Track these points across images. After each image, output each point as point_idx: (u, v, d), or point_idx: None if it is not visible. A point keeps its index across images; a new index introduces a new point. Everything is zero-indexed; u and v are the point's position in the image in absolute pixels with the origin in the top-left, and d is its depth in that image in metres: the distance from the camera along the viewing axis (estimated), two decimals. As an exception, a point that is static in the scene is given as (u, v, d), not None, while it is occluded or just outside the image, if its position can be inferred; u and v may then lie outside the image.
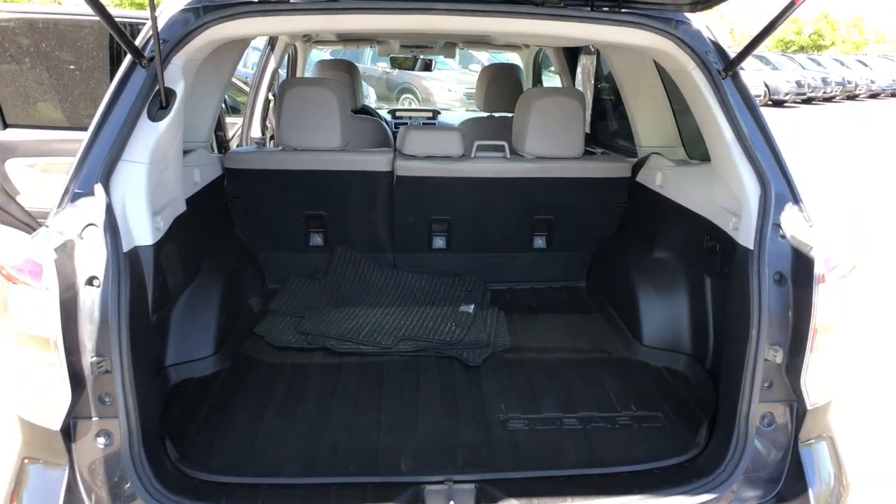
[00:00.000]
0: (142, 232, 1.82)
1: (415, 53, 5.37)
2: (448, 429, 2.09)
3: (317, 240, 3.13)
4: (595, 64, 3.64)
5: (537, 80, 5.23)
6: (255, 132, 4.37)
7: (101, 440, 1.68)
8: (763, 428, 1.85)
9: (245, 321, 2.73)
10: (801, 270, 1.79)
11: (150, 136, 1.86)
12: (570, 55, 4.12)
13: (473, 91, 12.03)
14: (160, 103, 1.89)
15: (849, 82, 26.44)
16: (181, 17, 1.92)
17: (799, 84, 23.56)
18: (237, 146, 4.26)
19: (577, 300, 3.14)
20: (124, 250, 1.71)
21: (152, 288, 1.83)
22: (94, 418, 1.67)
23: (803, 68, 24.86)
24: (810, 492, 1.83)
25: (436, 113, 5.89)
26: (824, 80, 25.11)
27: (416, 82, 14.48)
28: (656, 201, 2.69)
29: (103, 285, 1.62)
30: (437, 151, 2.88)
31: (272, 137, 4.63)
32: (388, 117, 5.70)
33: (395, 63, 6.08)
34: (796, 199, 1.89)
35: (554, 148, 2.86)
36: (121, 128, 1.79)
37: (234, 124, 4.24)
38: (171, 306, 2.33)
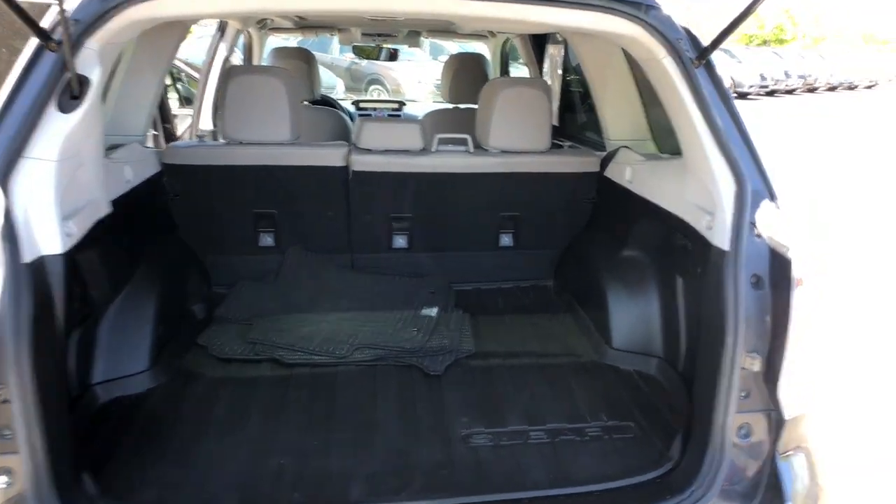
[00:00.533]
0: (48, 240, 1.60)
1: (378, 42, 5.16)
2: (406, 448, 1.93)
3: (267, 240, 2.92)
4: (563, 54, 3.50)
5: (504, 71, 5.07)
6: (206, 124, 4.12)
7: (3, 481, 1.47)
8: (740, 440, 1.74)
9: (187, 331, 2.52)
10: (778, 273, 1.67)
11: (59, 129, 1.63)
12: (538, 45, 3.97)
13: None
14: (72, 93, 1.67)
15: (809, 75, 27.03)
16: None
17: (762, 77, 23.98)
18: (189, 139, 4.02)
19: (546, 300, 3.00)
20: (25, 261, 1.49)
21: (65, 301, 1.61)
22: None
23: (766, 61, 25.28)
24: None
25: (402, 104, 5.70)
26: (786, 74, 25.62)
27: (385, 73, 14.22)
28: (625, 197, 2.56)
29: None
30: (396, 145, 2.70)
31: None
32: (353, 108, 5.49)
33: (359, 52, 5.85)
34: (772, 196, 1.77)
35: (519, 141, 2.71)
36: (22, 120, 1.56)
37: (188, 116, 4.00)
38: (98, 318, 2.11)
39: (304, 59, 4.08)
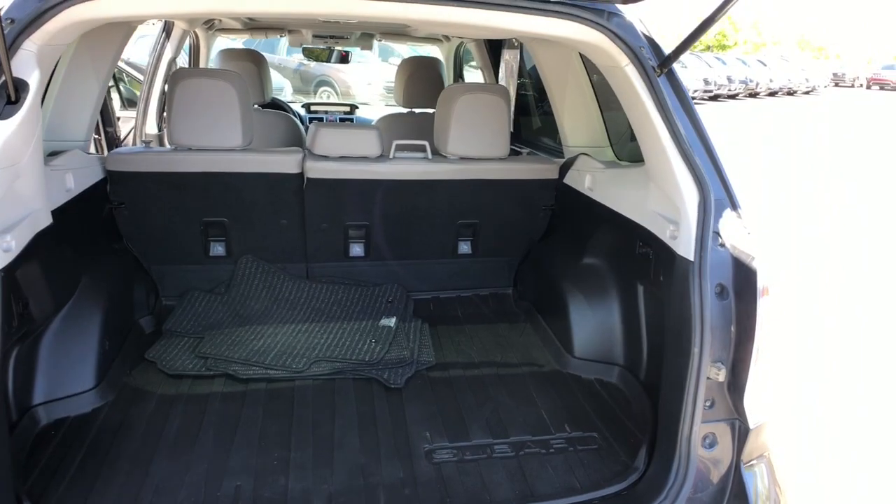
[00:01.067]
0: None
1: (329, 44, 5.05)
2: (367, 466, 1.86)
3: (218, 249, 2.80)
4: (518, 59, 3.48)
5: (458, 75, 5.04)
6: (151, 128, 3.95)
7: None
8: (705, 449, 1.74)
9: (134, 346, 2.39)
10: (743, 282, 1.68)
11: None
12: (494, 50, 3.95)
13: (391, 85, 11.71)
14: (7, 97, 1.55)
15: (751, 80, 28.07)
16: None
17: (706, 82, 24.74)
18: (133, 145, 3.84)
19: (505, 309, 2.98)
20: None
21: (2, 320, 1.49)
22: None
23: (709, 67, 26.09)
24: None
25: (354, 108, 5.59)
26: (729, 79, 26.51)
27: (335, 75, 14.00)
28: (585, 205, 2.55)
29: None
30: (352, 152, 2.63)
31: None
32: (303, 112, 5.36)
33: (309, 54, 5.72)
34: (734, 205, 1.78)
35: (478, 148, 2.67)
36: None
37: (131, 118, 3.81)
38: (39, 335, 1.97)
39: (254, 61, 3.95)
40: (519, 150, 3.34)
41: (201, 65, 4.62)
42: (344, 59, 6.32)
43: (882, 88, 40.40)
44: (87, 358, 2.09)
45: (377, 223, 2.83)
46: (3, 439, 1.52)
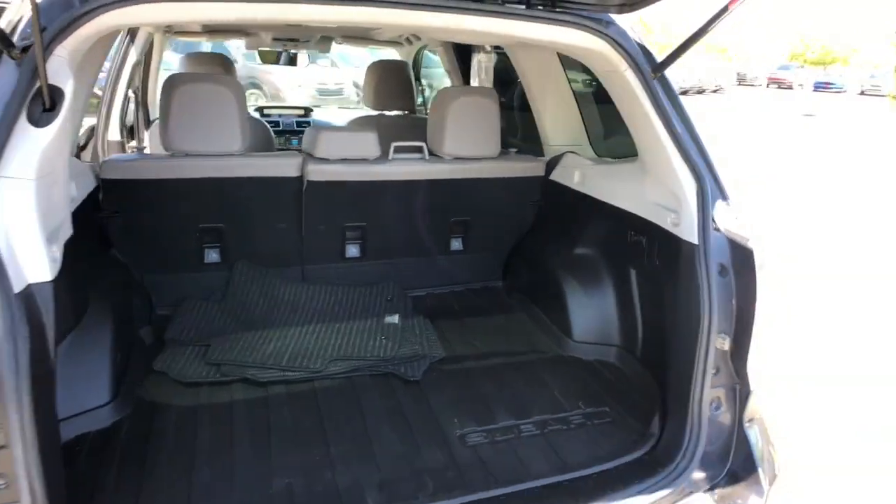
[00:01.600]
0: (36, 266, 1.46)
1: (287, 47, 5.03)
2: (407, 455, 1.95)
3: (213, 256, 2.79)
4: (493, 63, 3.63)
5: (416, 78, 5.14)
6: (113, 135, 3.83)
7: None
8: (713, 412, 1.93)
9: (140, 357, 2.36)
10: (740, 261, 1.88)
11: (34, 145, 1.49)
12: (462, 54, 4.08)
13: (325, 87, 11.47)
14: (43, 104, 1.53)
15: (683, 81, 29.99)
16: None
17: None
18: (94, 151, 3.71)
19: (498, 300, 3.11)
20: (15, 291, 1.36)
21: (54, 334, 1.48)
22: None
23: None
24: (759, 467, 1.94)
25: (308, 110, 5.58)
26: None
27: (263, 77, 13.66)
28: (574, 199, 2.72)
29: None
30: (352, 154, 2.69)
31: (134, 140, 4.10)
32: (257, 115, 5.30)
33: (263, 57, 5.67)
34: (724, 195, 1.99)
35: (472, 148, 2.80)
36: None
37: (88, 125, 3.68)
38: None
39: (222, 66, 3.91)
40: (505, 150, 3.48)
41: (153, 66, 4.51)
42: (293, 61, 6.30)
43: (780, 87, 43.75)
44: (102, 371, 2.05)
45: (373, 223, 2.90)
46: (58, 455, 1.51)
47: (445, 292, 3.13)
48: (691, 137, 2.02)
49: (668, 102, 2.03)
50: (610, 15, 2.09)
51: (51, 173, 1.58)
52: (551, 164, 2.94)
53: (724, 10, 1.82)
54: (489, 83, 3.65)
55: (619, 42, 2.01)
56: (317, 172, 2.64)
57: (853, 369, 4.05)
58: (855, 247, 6.95)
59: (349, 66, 12.81)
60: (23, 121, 1.48)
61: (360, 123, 3.99)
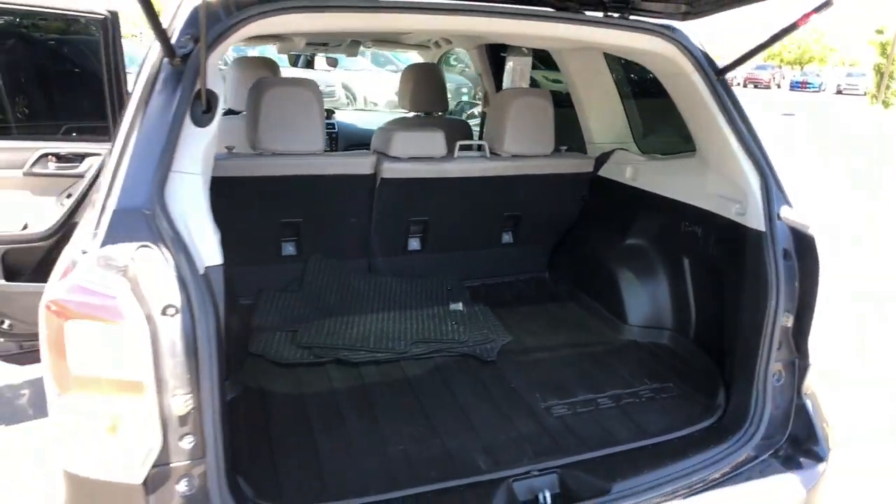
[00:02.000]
0: (209, 252, 1.64)
1: (317, 51, 5.19)
2: (501, 425, 2.14)
3: (289, 249, 2.96)
4: (529, 65, 3.83)
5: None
6: None
7: (184, 488, 1.51)
8: (775, 383, 2.15)
9: (234, 343, 2.53)
10: (803, 247, 2.10)
11: (199, 143, 1.67)
12: (494, 57, 4.28)
13: (332, 89, 11.55)
14: (203, 107, 1.70)
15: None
16: (218, 9, 1.75)
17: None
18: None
19: (547, 290, 3.32)
20: (200, 273, 1.54)
21: (224, 313, 1.66)
22: (176, 464, 1.50)
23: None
24: (818, 431, 2.16)
25: (331, 112, 5.74)
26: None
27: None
28: (626, 193, 2.94)
29: (183, 314, 1.46)
30: (422, 152, 2.87)
31: None
32: None
33: (292, 61, 5.83)
34: (780, 187, 2.21)
35: (529, 146, 2.99)
36: (168, 135, 1.59)
37: None
38: None
39: (270, 69, 4.06)
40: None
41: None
42: (310, 64, 6.46)
43: (756, 86, 44.60)
44: None
45: (435, 218, 3.08)
46: (226, 420, 1.66)
47: (497, 283, 3.32)
48: (751, 135, 2.24)
49: (730, 103, 2.24)
50: (674, 24, 2.31)
51: (207, 169, 1.75)
52: (600, 161, 3.15)
53: (793, 26, 2.04)
54: (525, 84, 3.85)
55: (687, 47, 2.22)
56: (390, 170, 2.82)
57: (852, 371, 4.20)
58: (857, 248, 7.06)
59: (340, 70, 13.00)
60: (188, 122, 1.65)
61: (407, 124, 4.16)
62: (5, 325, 3.15)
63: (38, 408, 3.36)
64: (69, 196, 3.13)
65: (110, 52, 3.11)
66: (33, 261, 3.14)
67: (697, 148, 2.49)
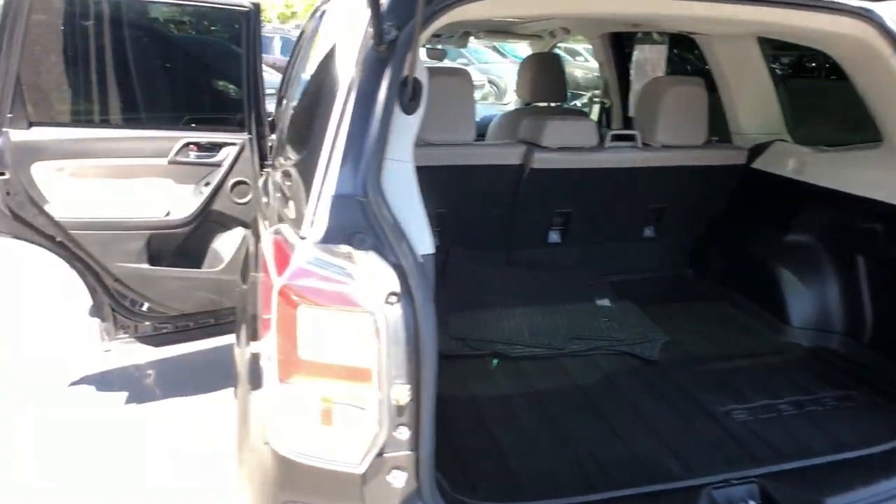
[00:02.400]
0: (422, 240, 1.61)
1: (433, 44, 5.16)
2: (683, 426, 2.04)
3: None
4: (664, 53, 3.69)
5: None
6: None
7: (396, 479, 1.48)
8: None
9: None
10: None
11: (408, 131, 1.65)
12: (616, 47, 4.15)
13: (481, 83, 11.58)
14: (409, 94, 1.67)
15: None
16: None
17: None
18: None
19: (693, 288, 3.17)
20: (419, 261, 1.51)
21: (434, 304, 1.62)
22: (390, 454, 1.47)
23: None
24: None
25: None
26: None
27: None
28: (787, 187, 2.76)
29: (404, 302, 1.42)
30: (573, 142, 2.78)
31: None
32: None
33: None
34: None
35: (682, 136, 2.86)
36: (381, 123, 1.57)
37: None
38: None
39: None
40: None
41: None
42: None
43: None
44: None
45: (579, 210, 2.99)
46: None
47: (639, 279, 3.20)
48: None
49: None
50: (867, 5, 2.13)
51: (412, 157, 1.72)
52: (754, 152, 2.98)
53: None
54: (661, 73, 3.70)
55: (887, 29, 2.05)
56: (541, 160, 2.74)
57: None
58: None
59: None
60: (397, 110, 1.62)
61: (512, 116, 4.07)
62: (145, 308, 3.28)
63: (162, 388, 3.51)
64: (207, 184, 3.21)
65: (250, 44, 3.16)
66: (173, 246, 3.25)
67: (887, 139, 2.30)
